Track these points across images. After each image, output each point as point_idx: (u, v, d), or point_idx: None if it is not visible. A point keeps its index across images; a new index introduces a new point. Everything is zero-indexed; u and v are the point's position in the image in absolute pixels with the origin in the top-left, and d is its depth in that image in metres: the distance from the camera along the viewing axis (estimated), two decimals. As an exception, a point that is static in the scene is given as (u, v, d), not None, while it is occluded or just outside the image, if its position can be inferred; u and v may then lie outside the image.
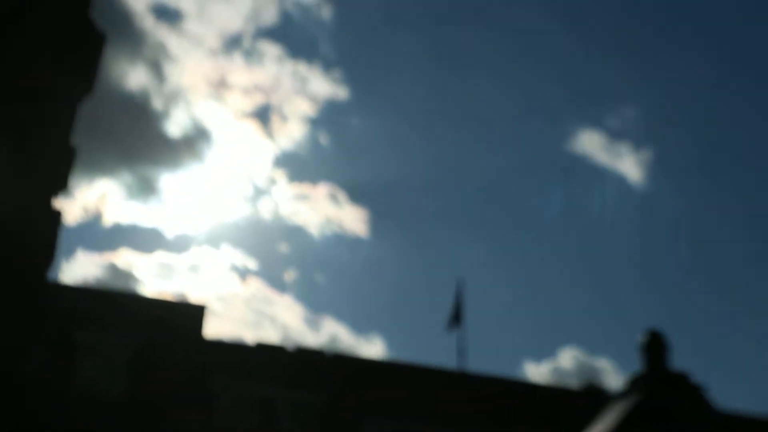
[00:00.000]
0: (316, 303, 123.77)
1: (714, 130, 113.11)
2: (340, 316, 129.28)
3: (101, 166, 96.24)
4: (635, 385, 3.94)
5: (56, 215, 14.95)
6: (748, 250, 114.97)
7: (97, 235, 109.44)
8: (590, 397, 31.78)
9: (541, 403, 32.09)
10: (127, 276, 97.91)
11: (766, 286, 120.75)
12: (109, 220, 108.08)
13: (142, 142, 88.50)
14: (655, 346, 4.03)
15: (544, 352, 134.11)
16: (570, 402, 31.89)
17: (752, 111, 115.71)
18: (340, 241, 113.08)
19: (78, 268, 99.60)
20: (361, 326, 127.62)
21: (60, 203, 15.05)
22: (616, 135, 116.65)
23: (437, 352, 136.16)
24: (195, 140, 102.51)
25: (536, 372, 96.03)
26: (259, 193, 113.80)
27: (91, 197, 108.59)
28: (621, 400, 3.89)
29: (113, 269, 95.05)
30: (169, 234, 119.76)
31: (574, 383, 44.44)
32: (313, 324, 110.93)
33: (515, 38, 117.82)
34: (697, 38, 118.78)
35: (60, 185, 14.88)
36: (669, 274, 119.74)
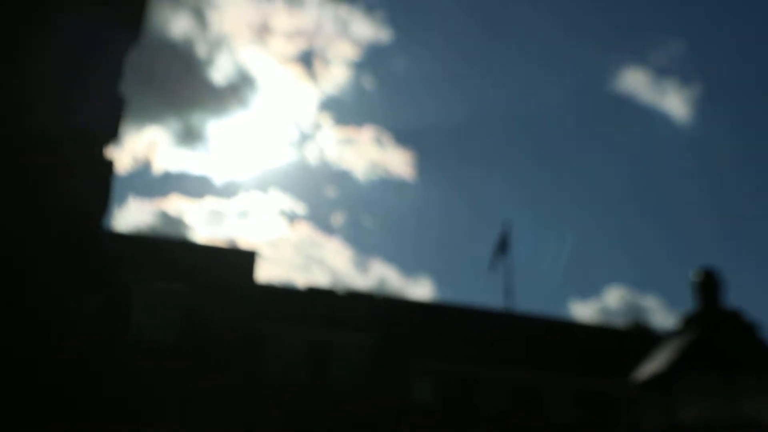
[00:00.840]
0: (363, 246, 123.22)
1: (763, 65, 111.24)
2: (388, 258, 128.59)
3: (149, 114, 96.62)
4: (688, 323, 3.91)
5: (108, 164, 15.06)
6: None
7: (148, 182, 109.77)
8: (637, 337, 31.65)
9: (588, 343, 31.92)
10: (178, 222, 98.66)
11: None
12: (158, 167, 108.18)
13: (188, 89, 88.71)
14: (708, 284, 4.01)
15: (590, 291, 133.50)
16: (617, 341, 31.76)
17: None
18: (386, 184, 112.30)
19: (130, 216, 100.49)
20: (409, 268, 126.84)
21: (111, 152, 15.15)
22: (661, 72, 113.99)
23: (484, 292, 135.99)
24: (240, 86, 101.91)
25: (583, 311, 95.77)
26: (305, 137, 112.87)
27: (140, 145, 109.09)
28: (672, 338, 3.87)
29: (164, 216, 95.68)
30: (218, 180, 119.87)
31: (620, 322, 44.33)
32: (361, 267, 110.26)
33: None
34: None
35: (111, 134, 14.97)
36: (717, 212, 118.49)
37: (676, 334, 3.94)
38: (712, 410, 3.60)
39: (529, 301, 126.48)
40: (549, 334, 32.31)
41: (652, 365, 3.69)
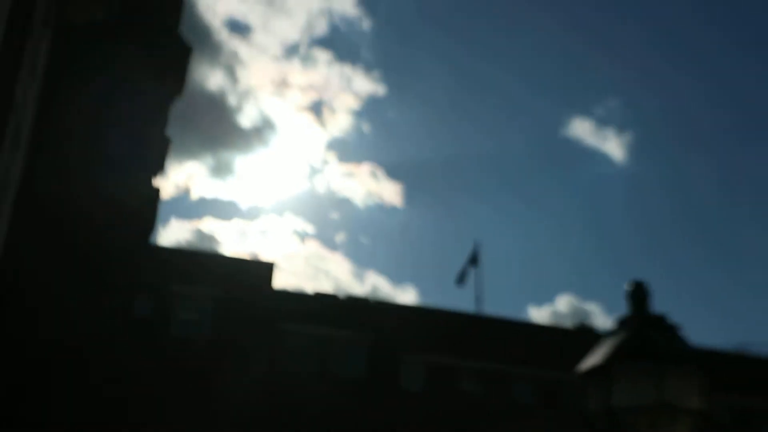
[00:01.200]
0: (360, 260, 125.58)
1: (683, 116, 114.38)
2: (380, 269, 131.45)
3: (189, 151, 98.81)
4: (622, 324, 4.11)
5: (155, 192, 15.29)
6: (713, 212, 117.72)
7: (187, 206, 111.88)
8: (582, 335, 32.22)
9: (542, 340, 32.39)
10: (211, 239, 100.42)
11: (727, 238, 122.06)
12: (195, 194, 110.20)
13: (220, 131, 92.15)
14: (638, 293, 4.21)
15: (544, 298, 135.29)
16: (565, 339, 32.33)
17: (714, 100, 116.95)
18: (379, 209, 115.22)
19: (172, 233, 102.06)
20: (397, 278, 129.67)
21: (158, 182, 15.37)
22: (602, 122, 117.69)
23: (459, 298, 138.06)
24: (262, 129, 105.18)
25: (538, 314, 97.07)
26: (314, 171, 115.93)
27: (181, 176, 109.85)
28: (609, 337, 4.06)
29: (199, 233, 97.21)
30: (243, 205, 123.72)
31: (569, 323, 45.06)
32: (358, 277, 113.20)
33: (519, 40, 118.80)
34: (670, 36, 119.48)
35: (158, 168, 15.20)
36: (646, 234, 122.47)
37: (612, 333, 4.14)
38: (642, 395, 3.75)
39: (496, 306, 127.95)
40: (512, 333, 32.94)
41: (593, 358, 3.87)
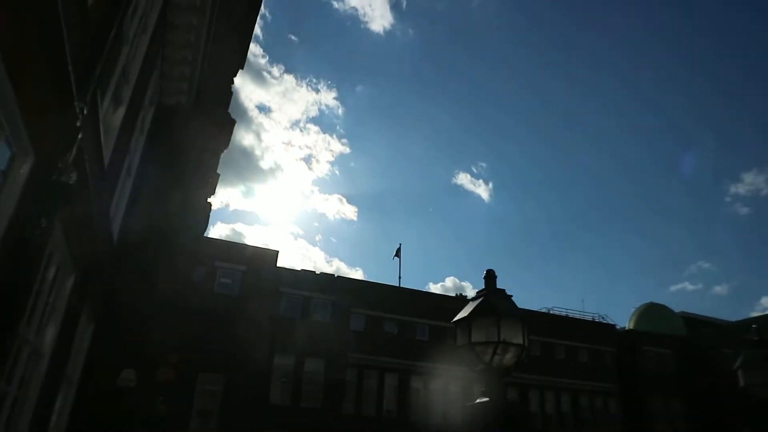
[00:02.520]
0: (330, 251, 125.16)
1: (523, 174, 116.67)
2: (342, 258, 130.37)
3: (230, 182, 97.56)
4: (479, 294, 4.19)
5: (208, 205, 15.11)
6: (540, 228, 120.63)
7: (226, 215, 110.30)
8: (459, 301, 32.31)
9: (435, 303, 32.65)
10: (240, 235, 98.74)
11: (545, 245, 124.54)
12: (232, 207, 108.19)
13: (249, 171, 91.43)
14: (489, 276, 4.30)
15: (438, 278, 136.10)
16: (449, 302, 32.59)
17: (542, 162, 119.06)
18: (343, 222, 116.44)
19: (217, 231, 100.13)
20: (352, 263, 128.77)
21: (210, 200, 15.20)
22: (476, 176, 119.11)
23: (389, 277, 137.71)
24: (275, 170, 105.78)
25: (434, 287, 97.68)
26: (305, 197, 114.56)
27: (225, 197, 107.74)
28: (472, 302, 4.14)
29: (234, 231, 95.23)
30: (261, 216, 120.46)
31: (452, 293, 45.13)
32: (329, 262, 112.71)
33: (430, 123, 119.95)
34: (512, 125, 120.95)
35: (211, 192, 15.04)
36: (503, 243, 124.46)
37: (473, 299, 4.22)
38: (488, 335, 3.81)
39: (411, 282, 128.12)
40: (418, 298, 33.66)
41: (461, 313, 3.94)
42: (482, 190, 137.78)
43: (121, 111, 6.76)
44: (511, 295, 4.44)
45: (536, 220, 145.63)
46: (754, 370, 6.10)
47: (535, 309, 40.79)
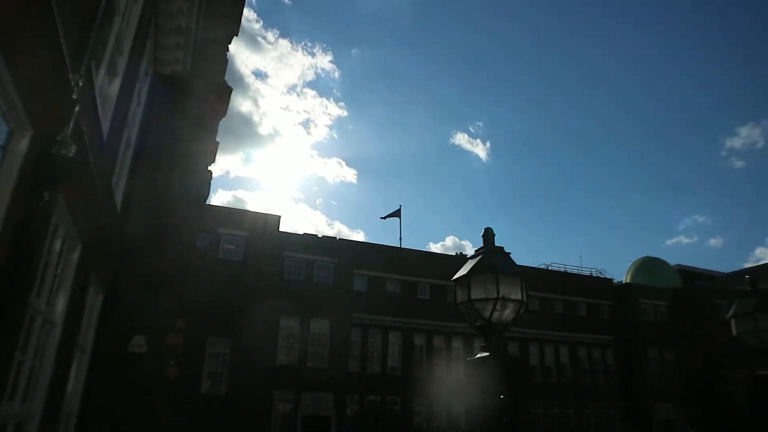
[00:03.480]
0: (331, 214, 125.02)
1: (519, 133, 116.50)
2: (343, 221, 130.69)
3: (230, 149, 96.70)
4: (478, 252, 4.21)
5: (209, 173, 15.08)
6: (535, 187, 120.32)
7: (228, 182, 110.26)
8: (460, 259, 32.62)
9: (436, 261, 32.77)
10: (242, 201, 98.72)
11: (543, 201, 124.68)
12: (233, 174, 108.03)
13: (248, 137, 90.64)
14: (487, 235, 4.30)
15: (438, 237, 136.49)
16: (449, 261, 32.90)
17: (539, 124, 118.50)
18: (342, 185, 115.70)
19: (219, 198, 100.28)
20: (352, 225, 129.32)
21: (211, 168, 15.15)
22: (473, 135, 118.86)
23: (389, 238, 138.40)
24: (274, 136, 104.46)
25: (434, 247, 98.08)
26: (304, 162, 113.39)
27: (225, 164, 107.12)
28: (471, 259, 4.15)
29: (235, 198, 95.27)
30: (262, 182, 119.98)
31: (452, 252, 45.70)
32: (330, 225, 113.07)
33: (428, 86, 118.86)
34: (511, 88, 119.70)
35: (211, 160, 15.00)
36: (501, 201, 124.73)
37: (473, 257, 4.24)
38: (488, 292, 3.85)
39: (411, 242, 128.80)
40: (419, 257, 33.82)
41: (461, 271, 3.96)
42: (480, 150, 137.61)
43: (117, 82, 6.69)
44: (510, 253, 4.50)
45: (534, 178, 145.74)
46: (746, 319, 6.20)
47: (534, 266, 41.53)
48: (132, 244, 10.34)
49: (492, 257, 4.35)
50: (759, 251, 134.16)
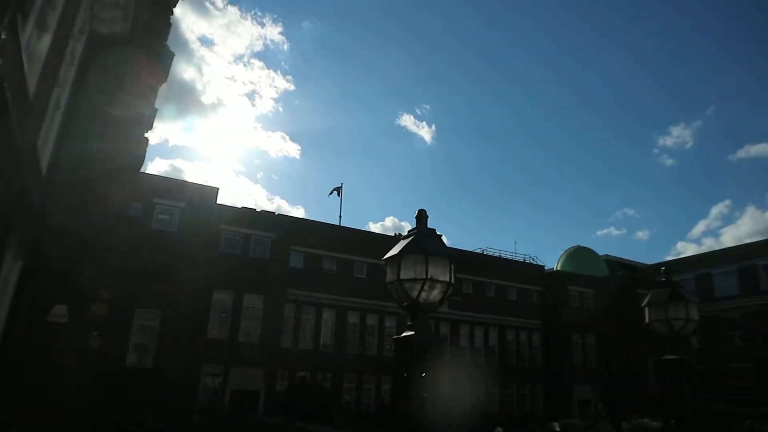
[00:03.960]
0: (272, 189, 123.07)
1: (462, 118, 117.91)
2: (284, 196, 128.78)
3: (169, 116, 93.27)
4: (410, 233, 4.28)
5: (145, 140, 14.55)
6: (476, 170, 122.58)
7: (166, 150, 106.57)
8: (397, 240, 32.75)
9: (377, 241, 33.01)
10: (180, 172, 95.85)
11: (479, 184, 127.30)
12: (172, 143, 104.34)
13: (190, 105, 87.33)
14: (420, 217, 4.39)
15: (378, 217, 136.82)
16: (389, 242, 32.94)
17: (480, 109, 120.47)
18: (285, 160, 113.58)
19: (155, 166, 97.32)
20: (293, 201, 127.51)
21: (148, 135, 14.61)
22: (419, 117, 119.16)
23: (330, 215, 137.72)
24: (217, 106, 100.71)
25: (374, 227, 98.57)
26: (247, 134, 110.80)
27: (164, 132, 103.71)
28: (403, 239, 4.21)
29: (173, 167, 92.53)
30: (202, 152, 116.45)
31: (391, 233, 46.21)
32: (270, 199, 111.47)
33: (379, 62, 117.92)
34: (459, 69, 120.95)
35: (149, 127, 14.47)
36: (443, 185, 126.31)
37: (405, 237, 4.29)
38: (416, 273, 3.93)
39: (351, 221, 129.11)
40: (357, 237, 34.03)
41: (392, 251, 4.01)
42: (425, 132, 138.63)
43: (47, 38, 6.33)
44: (441, 235, 4.61)
45: (477, 163, 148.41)
46: (658, 308, 6.62)
47: (470, 249, 42.54)
48: (56, 209, 9.90)
49: (423, 239, 4.46)
50: (680, 245, 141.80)
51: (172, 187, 28.78)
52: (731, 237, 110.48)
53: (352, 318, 33.30)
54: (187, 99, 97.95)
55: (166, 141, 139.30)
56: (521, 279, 41.33)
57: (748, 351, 36.53)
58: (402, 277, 4.13)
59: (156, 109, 16.46)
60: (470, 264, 38.54)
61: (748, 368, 35.92)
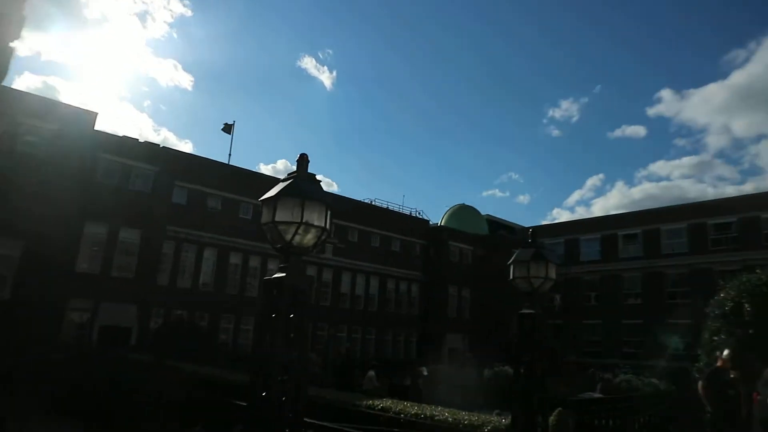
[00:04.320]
0: (159, 120, 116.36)
1: (369, 68, 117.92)
2: (171, 128, 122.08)
3: (46, 29, 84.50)
4: (290, 176, 4.22)
5: (10, 49, 13.10)
6: (381, 125, 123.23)
7: (38, 64, 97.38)
8: (281, 182, 32.76)
9: (266, 183, 32.37)
10: (54, 90, 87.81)
11: (381, 132, 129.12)
12: (45, 56, 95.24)
13: (69, 18, 78.98)
14: (301, 161, 4.29)
15: (271, 159, 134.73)
16: (273, 183, 32.65)
17: (382, 56, 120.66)
18: (176, 90, 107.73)
19: (23, 83, 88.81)
20: (181, 134, 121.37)
21: (13, 44, 13.11)
22: (320, 62, 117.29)
23: (219, 152, 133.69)
24: (101, 22, 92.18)
25: (265, 168, 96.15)
26: (136, 58, 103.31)
27: (35, 43, 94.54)
28: (282, 182, 4.16)
29: (46, 85, 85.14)
30: (82, 72, 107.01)
31: (282, 176, 45.73)
32: (157, 131, 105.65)
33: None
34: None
35: (16, 34, 13.02)
36: (339, 133, 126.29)
37: (284, 180, 4.26)
38: (292, 216, 3.95)
39: (238, 161, 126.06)
40: (245, 177, 35.71)
41: (269, 193, 3.98)
42: (326, 77, 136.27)
43: None
44: (320, 181, 4.64)
45: (378, 114, 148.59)
46: (521, 266, 7.14)
47: (359, 199, 43.25)
48: None
49: (301, 182, 4.46)
50: (555, 211, 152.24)
51: (42, 107, 26.11)
52: (600, 207, 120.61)
53: (234, 259, 33.04)
54: (66, 9, 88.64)
55: (39, 54, 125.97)
56: (406, 231, 42.93)
57: (600, 310, 41.06)
58: (277, 219, 4.12)
59: (24, 16, 14.81)
60: (357, 213, 39.31)
61: (600, 325, 40.62)
